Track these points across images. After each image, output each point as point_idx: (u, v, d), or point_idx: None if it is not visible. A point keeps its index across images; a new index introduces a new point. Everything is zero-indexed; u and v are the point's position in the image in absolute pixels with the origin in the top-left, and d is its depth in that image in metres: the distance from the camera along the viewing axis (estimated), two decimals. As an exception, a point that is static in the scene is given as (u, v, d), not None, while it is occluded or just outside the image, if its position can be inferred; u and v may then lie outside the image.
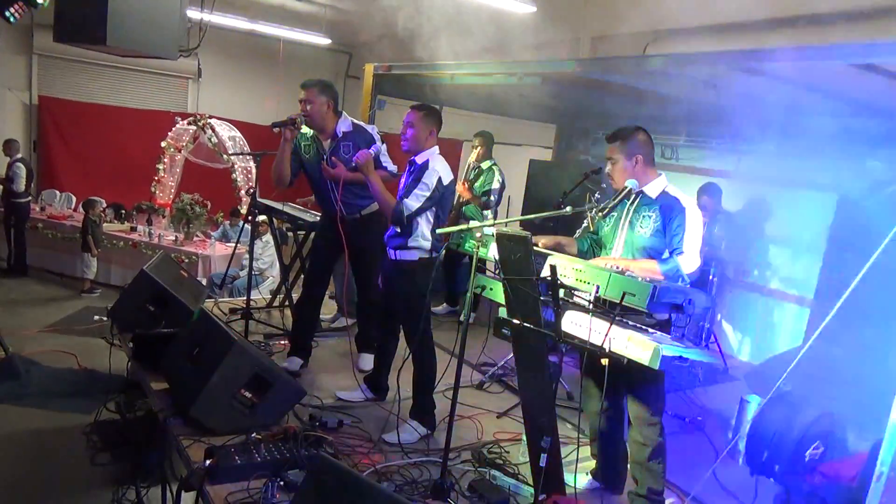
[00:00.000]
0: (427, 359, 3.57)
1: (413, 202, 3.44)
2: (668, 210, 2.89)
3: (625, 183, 2.99)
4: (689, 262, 2.82)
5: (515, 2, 6.25)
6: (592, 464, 3.31)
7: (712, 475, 3.35)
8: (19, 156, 8.85)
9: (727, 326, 6.08)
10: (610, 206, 2.98)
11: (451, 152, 4.90)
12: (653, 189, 2.98)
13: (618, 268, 2.63)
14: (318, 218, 4.71)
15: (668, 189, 2.98)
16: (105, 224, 8.70)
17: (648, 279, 2.48)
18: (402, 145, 3.60)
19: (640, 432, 2.97)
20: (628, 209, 3.03)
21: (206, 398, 3.07)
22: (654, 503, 2.97)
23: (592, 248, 3.22)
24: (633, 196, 3.01)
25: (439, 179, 3.48)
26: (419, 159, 3.56)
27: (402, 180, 3.68)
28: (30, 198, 9.03)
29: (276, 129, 3.94)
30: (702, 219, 2.94)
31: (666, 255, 2.89)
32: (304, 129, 4.08)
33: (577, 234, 3.58)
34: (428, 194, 3.45)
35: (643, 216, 2.96)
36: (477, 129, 6.13)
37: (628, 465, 3.13)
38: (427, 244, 3.53)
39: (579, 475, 3.15)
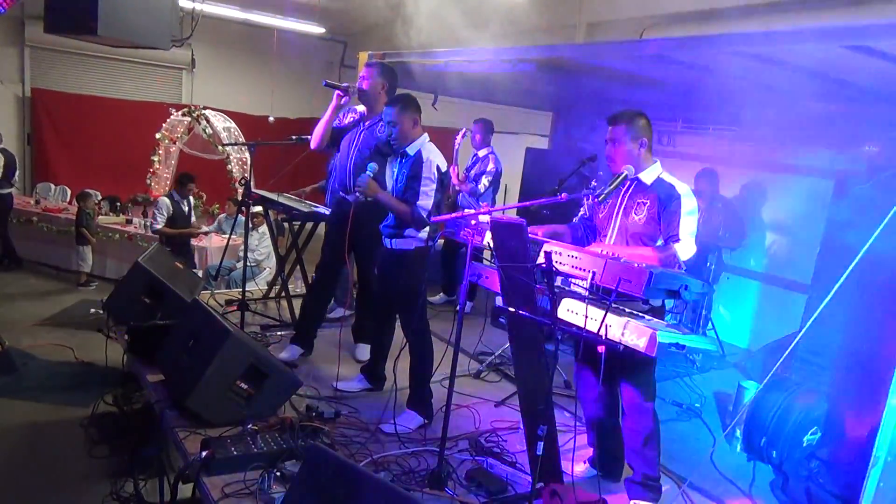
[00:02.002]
0: (423, 348, 3.56)
1: (426, 201, 3.43)
2: (664, 197, 2.88)
3: (623, 166, 2.98)
4: (685, 249, 2.81)
5: (510, -12, 6.20)
6: (590, 451, 3.31)
7: (710, 461, 3.35)
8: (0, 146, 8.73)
9: (724, 312, 6.08)
10: (606, 191, 2.96)
11: (446, 141, 4.86)
12: (648, 176, 2.97)
13: (614, 254, 2.62)
14: (325, 210, 4.66)
15: (663, 176, 2.97)
16: (100, 217, 8.66)
17: (644, 266, 2.46)
18: (392, 146, 3.59)
19: (633, 419, 2.97)
20: (623, 196, 3.01)
21: (202, 389, 3.06)
22: (650, 489, 2.98)
23: (587, 234, 3.21)
24: (628, 183, 3.00)
25: (438, 168, 3.48)
26: (411, 150, 3.54)
27: (394, 171, 3.65)
28: (12, 189, 8.85)
29: (326, 86, 4.06)
30: (698, 205, 2.93)
31: (661, 242, 2.88)
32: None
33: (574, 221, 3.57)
34: (435, 187, 3.46)
35: (638, 203, 2.95)
36: (472, 117, 6.10)
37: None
38: (423, 234, 3.52)
39: (577, 463, 3.15)
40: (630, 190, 3.00)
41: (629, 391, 2.96)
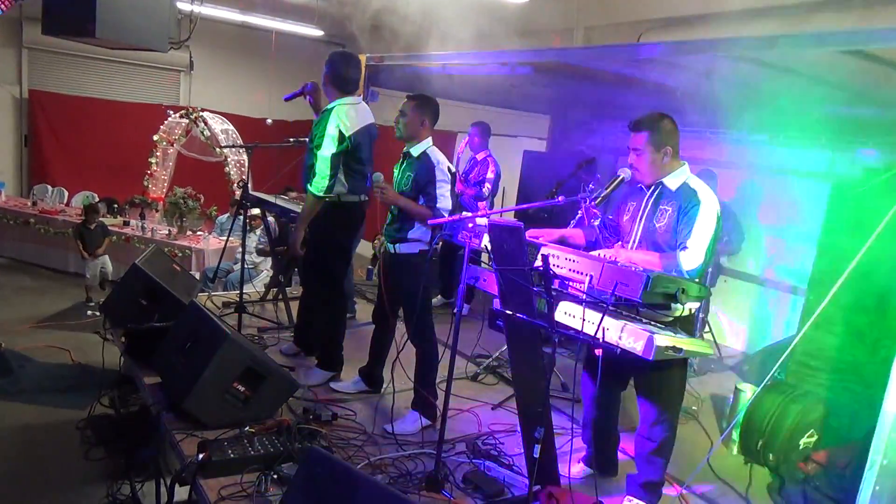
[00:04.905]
0: (428, 350, 3.55)
1: (445, 203, 3.44)
2: (684, 204, 2.79)
3: (650, 178, 2.90)
4: (690, 258, 2.71)
5: (508, -9, 6.21)
6: (584, 452, 3.31)
7: (707, 464, 3.36)
8: None
9: (721, 316, 6.09)
10: (603, 195, 2.96)
11: (445, 144, 4.86)
12: (673, 181, 2.88)
13: (611, 258, 2.62)
14: None
15: (689, 181, 2.87)
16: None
17: (641, 269, 2.46)
18: (395, 132, 3.60)
19: (647, 428, 2.94)
20: (647, 201, 2.95)
21: (199, 392, 3.06)
22: (651, 493, 2.98)
23: (605, 238, 3.18)
24: (654, 188, 2.94)
25: (448, 168, 3.50)
26: (415, 152, 3.54)
27: (394, 172, 3.66)
28: None
29: (287, 100, 4.26)
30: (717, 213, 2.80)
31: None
32: None
33: (571, 224, 3.57)
34: (450, 187, 3.47)
35: (661, 209, 2.87)
36: (470, 120, 6.10)
37: (627, 455, 3.13)
38: (427, 235, 3.52)
39: (573, 464, 3.15)
40: (654, 195, 2.93)
41: (645, 401, 2.93)
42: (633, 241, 2.98)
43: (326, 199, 3.80)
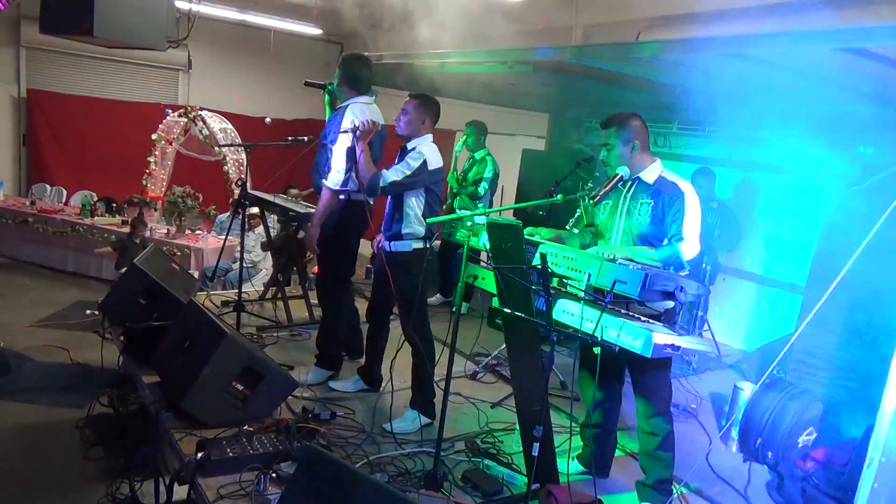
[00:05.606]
0: (425, 349, 3.55)
1: (391, 175, 3.44)
2: (666, 196, 2.86)
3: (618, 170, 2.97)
4: (689, 248, 2.80)
5: (507, -10, 6.20)
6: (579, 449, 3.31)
7: (705, 461, 3.36)
8: None
9: (721, 314, 6.09)
10: (601, 193, 2.96)
11: (444, 142, 4.85)
12: (649, 175, 2.95)
13: (610, 256, 2.62)
14: None
15: (665, 174, 2.95)
16: (96, 217, 8.64)
17: (639, 267, 2.47)
18: (396, 129, 3.63)
19: (647, 423, 2.96)
20: (625, 196, 2.99)
21: (198, 391, 3.06)
22: (663, 492, 2.97)
23: (594, 241, 3.20)
24: (630, 183, 2.99)
25: (424, 163, 3.46)
26: (410, 146, 3.57)
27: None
28: None
29: (307, 86, 4.29)
30: (699, 201, 2.91)
31: (665, 241, 2.87)
32: None
33: (569, 224, 3.57)
34: (408, 172, 3.44)
35: (641, 203, 2.93)
36: (469, 119, 6.11)
37: (635, 455, 3.13)
38: (421, 231, 3.52)
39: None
40: (632, 190, 2.98)
41: (642, 395, 2.95)
42: (615, 238, 3.01)
43: (340, 195, 3.81)
